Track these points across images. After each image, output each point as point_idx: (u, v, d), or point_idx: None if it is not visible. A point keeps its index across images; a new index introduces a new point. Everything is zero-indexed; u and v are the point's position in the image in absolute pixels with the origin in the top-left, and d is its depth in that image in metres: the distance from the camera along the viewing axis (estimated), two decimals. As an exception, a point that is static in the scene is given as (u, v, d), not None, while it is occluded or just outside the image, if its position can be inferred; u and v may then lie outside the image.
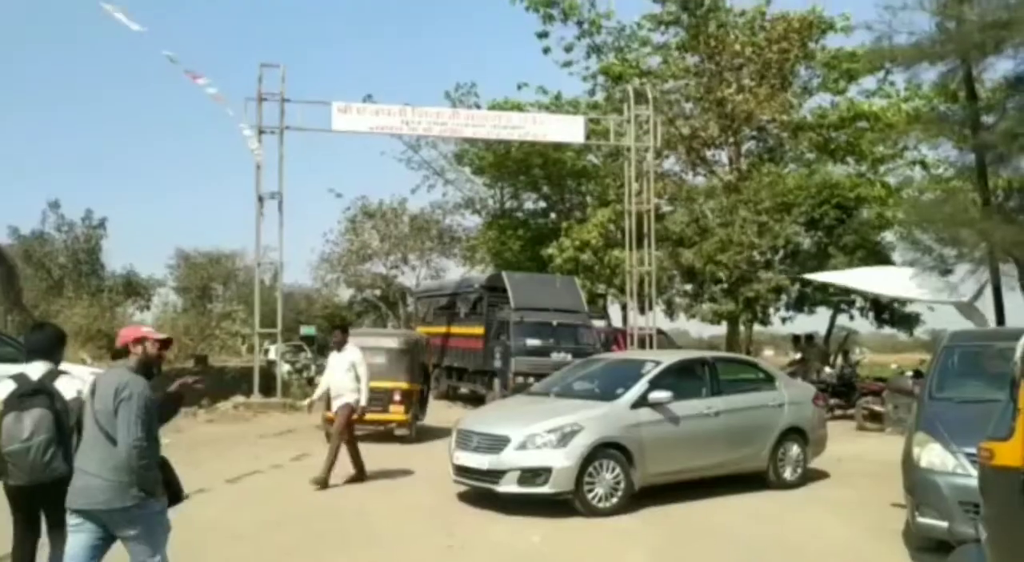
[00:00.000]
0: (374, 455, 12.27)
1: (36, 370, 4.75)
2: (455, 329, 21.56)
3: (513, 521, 7.89)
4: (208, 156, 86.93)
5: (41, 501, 4.72)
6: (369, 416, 11.65)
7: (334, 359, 9.97)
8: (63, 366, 5.04)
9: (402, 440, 13.22)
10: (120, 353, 4.55)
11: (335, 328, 10.63)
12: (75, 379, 4.89)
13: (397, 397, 13.12)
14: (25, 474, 4.57)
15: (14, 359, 11.77)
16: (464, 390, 21.18)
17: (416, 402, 13.71)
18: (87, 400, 4.37)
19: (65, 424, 4.61)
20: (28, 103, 69.21)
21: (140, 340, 4.48)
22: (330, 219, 72.05)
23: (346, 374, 9.67)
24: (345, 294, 44.36)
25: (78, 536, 4.26)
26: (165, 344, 4.66)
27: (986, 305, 16.49)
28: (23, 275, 26.52)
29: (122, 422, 4.14)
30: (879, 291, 19.60)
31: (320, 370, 27.72)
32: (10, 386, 4.64)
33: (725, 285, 22.61)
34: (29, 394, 4.61)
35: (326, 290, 44.04)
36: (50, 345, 4.96)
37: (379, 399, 12.22)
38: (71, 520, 4.27)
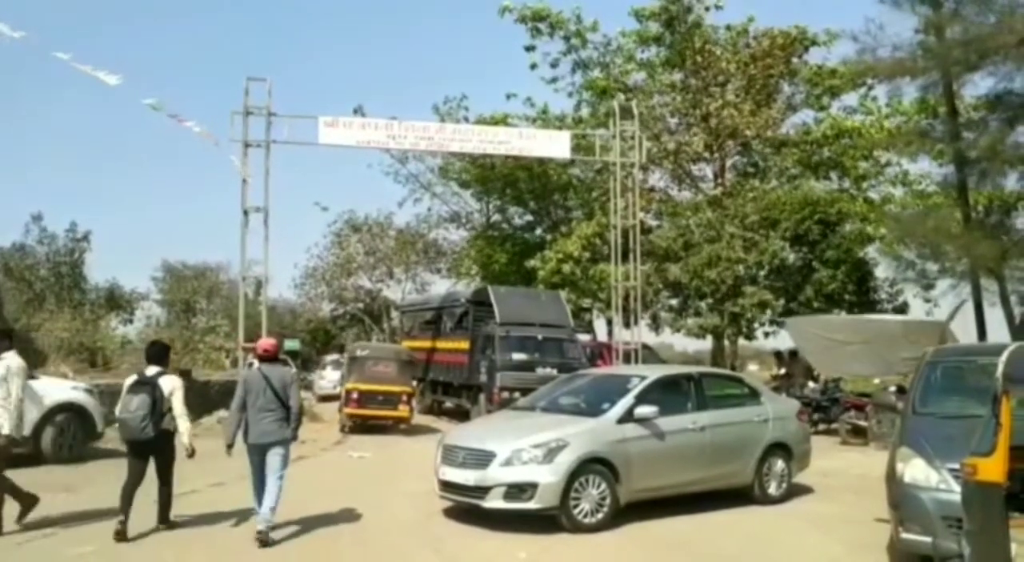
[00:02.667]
0: (364, 469, 12.23)
1: (151, 370, 7.65)
2: (440, 343, 21.52)
3: (499, 537, 7.86)
4: (194, 169, 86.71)
5: (141, 453, 7.54)
6: (381, 412, 16.75)
7: None
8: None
9: (392, 438, 15.31)
10: (263, 354, 7.94)
11: None
12: (173, 378, 7.73)
13: (404, 398, 16.85)
14: (128, 433, 7.43)
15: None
16: (449, 404, 21.12)
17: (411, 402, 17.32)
18: (255, 379, 7.68)
19: (160, 406, 7.38)
20: (11, 115, 68.88)
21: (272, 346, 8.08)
22: (316, 233, 72.02)
23: None
24: (327, 308, 44.27)
25: (254, 456, 7.68)
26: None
27: (967, 320, 16.61)
28: (3, 288, 26.29)
29: (294, 394, 7.74)
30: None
31: (304, 385, 27.78)
32: (133, 378, 7.61)
33: (710, 300, 22.69)
34: (140, 384, 7.48)
35: (310, 304, 43.92)
36: (159, 356, 7.90)
37: (390, 401, 16.67)
38: (249, 451, 7.67)
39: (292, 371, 8.19)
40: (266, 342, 8.14)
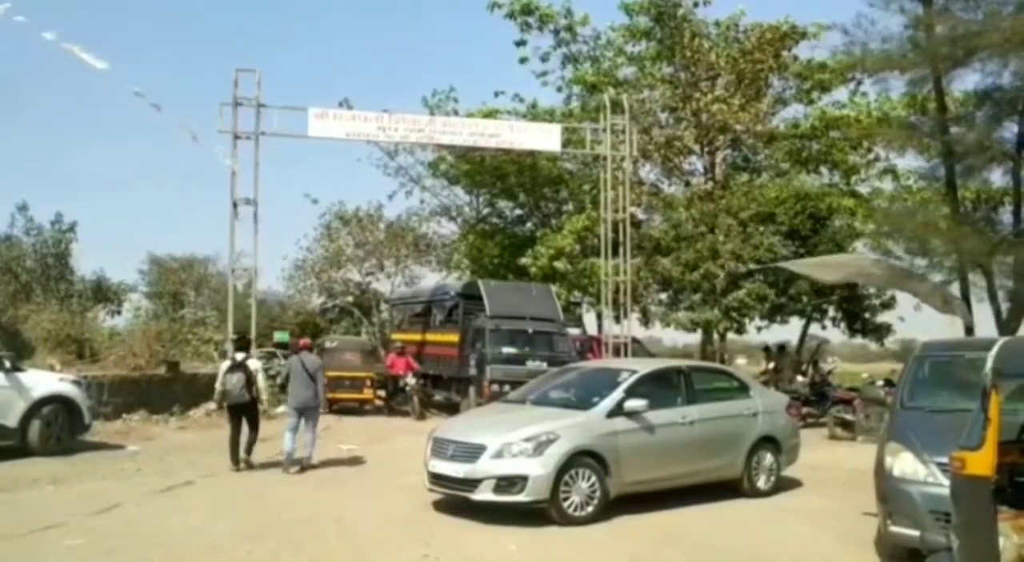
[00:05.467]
0: (354, 461, 12.21)
1: (239, 355, 11.29)
2: (430, 336, 21.49)
3: (489, 530, 7.87)
4: (182, 160, 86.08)
5: (239, 412, 11.02)
6: (348, 395, 19.08)
7: None
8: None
9: (381, 431, 15.26)
10: (301, 348, 11.80)
11: None
12: (254, 361, 11.47)
13: (368, 383, 19.30)
14: (231, 399, 10.91)
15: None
16: (439, 398, 21.10)
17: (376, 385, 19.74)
18: (296, 364, 11.14)
19: (253, 380, 10.90)
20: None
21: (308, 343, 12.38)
22: (305, 225, 71.59)
23: None
24: (316, 301, 43.98)
25: (293, 417, 11.04)
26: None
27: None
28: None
29: (320, 374, 11.16)
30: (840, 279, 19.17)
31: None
32: (228, 363, 11.17)
33: (701, 295, 22.69)
34: (236, 366, 11.01)
35: (299, 297, 43.67)
36: (244, 346, 12.01)
37: (356, 385, 19.18)
38: (291, 412, 11.10)
39: (319, 359, 11.83)
40: (304, 341, 12.59)
